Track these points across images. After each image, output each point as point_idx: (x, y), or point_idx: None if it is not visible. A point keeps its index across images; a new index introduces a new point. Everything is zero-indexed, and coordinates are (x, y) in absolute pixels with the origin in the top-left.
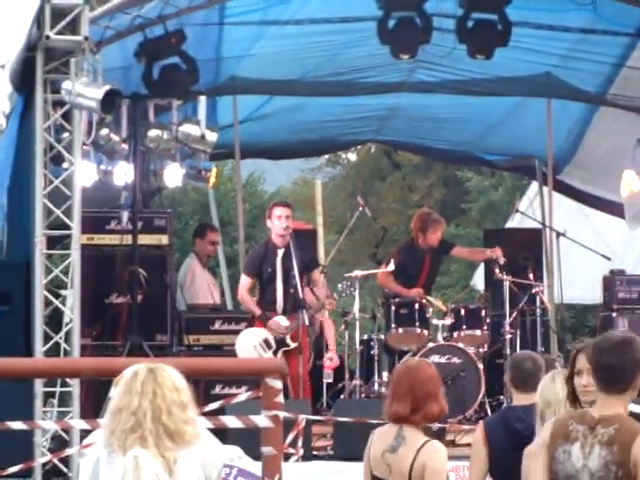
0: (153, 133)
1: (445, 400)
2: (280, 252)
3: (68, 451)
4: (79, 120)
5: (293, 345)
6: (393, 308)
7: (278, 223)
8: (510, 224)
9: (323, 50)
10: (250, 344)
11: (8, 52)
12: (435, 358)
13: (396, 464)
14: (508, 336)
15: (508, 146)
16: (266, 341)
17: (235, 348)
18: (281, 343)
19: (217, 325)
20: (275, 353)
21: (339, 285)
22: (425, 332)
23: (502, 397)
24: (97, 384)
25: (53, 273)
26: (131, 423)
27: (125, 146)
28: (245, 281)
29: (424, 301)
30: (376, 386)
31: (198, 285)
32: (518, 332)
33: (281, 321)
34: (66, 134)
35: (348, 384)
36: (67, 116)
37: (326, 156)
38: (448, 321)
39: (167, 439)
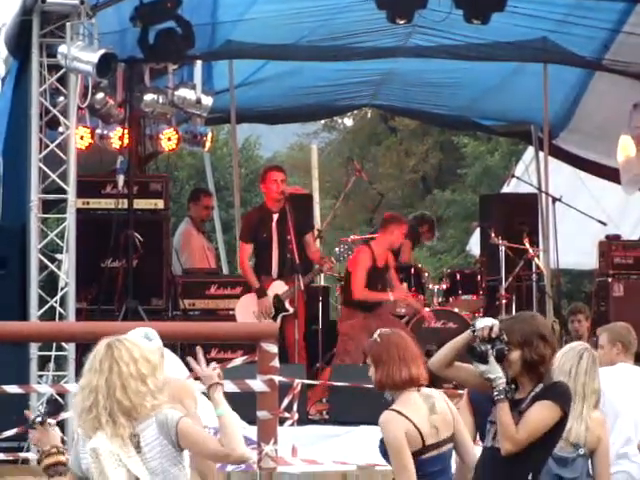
0: (149, 97)
1: None
2: (275, 217)
3: (63, 415)
4: (75, 84)
5: (292, 310)
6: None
7: (273, 187)
8: (506, 189)
9: (318, 14)
10: (249, 309)
11: (3, 16)
12: (431, 323)
13: (441, 420)
14: (504, 301)
15: (504, 111)
16: None
17: (232, 313)
18: (280, 308)
19: (213, 290)
20: (274, 318)
21: (336, 249)
22: (421, 297)
23: None
24: (92, 348)
25: (48, 237)
26: (89, 402)
27: (121, 110)
28: (244, 248)
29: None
30: None
31: (193, 249)
32: (514, 297)
33: (279, 285)
34: (62, 98)
35: None
36: (63, 80)
37: (322, 121)
38: (444, 286)
39: (122, 417)
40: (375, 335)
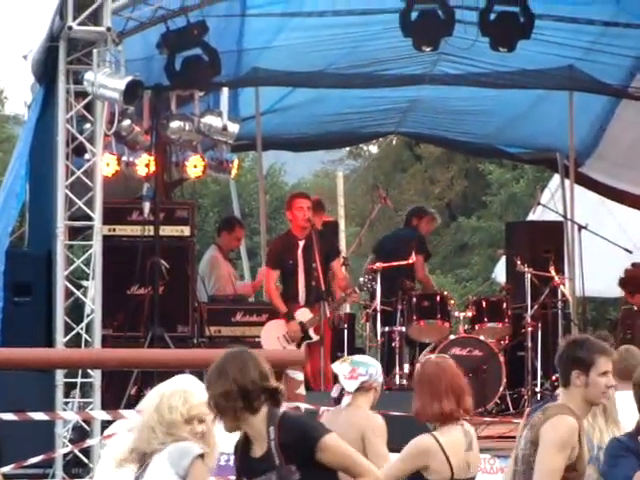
0: (175, 124)
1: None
2: (301, 244)
3: (89, 442)
4: (101, 111)
5: (316, 338)
6: (414, 300)
7: (299, 215)
8: (532, 217)
9: (345, 42)
10: (274, 336)
11: (31, 42)
12: (456, 350)
13: (474, 458)
14: (529, 329)
15: (530, 139)
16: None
17: (258, 340)
18: (304, 336)
19: (238, 317)
20: (298, 345)
21: (361, 279)
22: (446, 324)
23: (523, 389)
24: (118, 375)
25: (74, 264)
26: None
27: (147, 137)
28: (270, 275)
29: None
30: (397, 378)
31: (220, 276)
32: (539, 325)
33: (304, 313)
34: (88, 125)
35: None
36: (89, 107)
37: (347, 148)
38: (469, 313)
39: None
40: (420, 362)
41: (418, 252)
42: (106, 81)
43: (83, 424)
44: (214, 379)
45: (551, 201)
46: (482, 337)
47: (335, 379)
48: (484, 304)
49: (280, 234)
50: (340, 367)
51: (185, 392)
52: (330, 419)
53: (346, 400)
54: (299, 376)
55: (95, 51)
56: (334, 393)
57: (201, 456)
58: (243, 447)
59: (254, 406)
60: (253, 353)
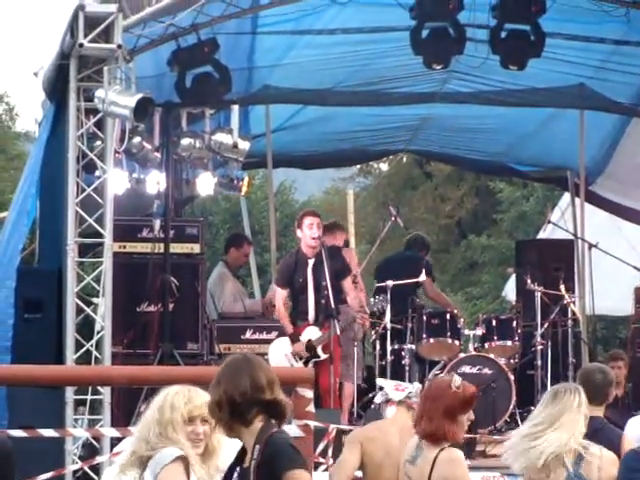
0: (186, 142)
1: (453, 424)
2: (311, 262)
3: (99, 459)
4: (112, 128)
5: (324, 356)
6: (424, 318)
7: (309, 232)
8: (542, 235)
9: (356, 60)
10: (282, 353)
11: (41, 60)
12: (466, 369)
13: (415, 473)
14: (539, 347)
15: (540, 157)
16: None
17: (267, 357)
18: (312, 354)
19: (248, 334)
20: (306, 363)
21: (371, 300)
22: (456, 342)
23: (533, 408)
24: (128, 392)
25: (85, 281)
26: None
27: (157, 154)
28: (280, 293)
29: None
30: None
31: (229, 294)
32: (549, 343)
33: (313, 331)
34: (99, 142)
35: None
36: (100, 124)
37: (358, 166)
38: (479, 332)
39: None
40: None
41: (426, 274)
42: (117, 98)
43: (93, 441)
44: (212, 386)
45: (561, 219)
46: (492, 355)
47: (377, 389)
48: (494, 322)
49: (290, 252)
50: (385, 381)
51: (190, 391)
52: (383, 430)
53: (391, 411)
54: (308, 394)
55: (106, 68)
56: (378, 399)
57: (180, 458)
58: (240, 453)
59: (245, 418)
60: (254, 361)
